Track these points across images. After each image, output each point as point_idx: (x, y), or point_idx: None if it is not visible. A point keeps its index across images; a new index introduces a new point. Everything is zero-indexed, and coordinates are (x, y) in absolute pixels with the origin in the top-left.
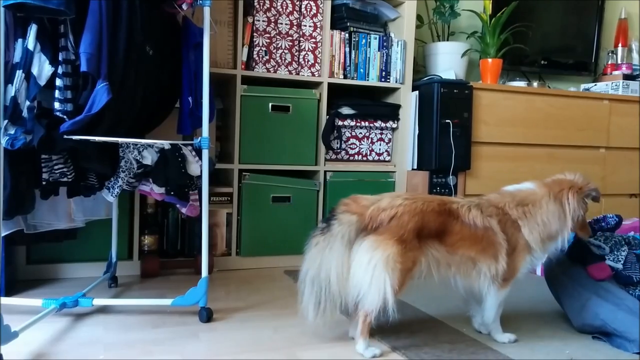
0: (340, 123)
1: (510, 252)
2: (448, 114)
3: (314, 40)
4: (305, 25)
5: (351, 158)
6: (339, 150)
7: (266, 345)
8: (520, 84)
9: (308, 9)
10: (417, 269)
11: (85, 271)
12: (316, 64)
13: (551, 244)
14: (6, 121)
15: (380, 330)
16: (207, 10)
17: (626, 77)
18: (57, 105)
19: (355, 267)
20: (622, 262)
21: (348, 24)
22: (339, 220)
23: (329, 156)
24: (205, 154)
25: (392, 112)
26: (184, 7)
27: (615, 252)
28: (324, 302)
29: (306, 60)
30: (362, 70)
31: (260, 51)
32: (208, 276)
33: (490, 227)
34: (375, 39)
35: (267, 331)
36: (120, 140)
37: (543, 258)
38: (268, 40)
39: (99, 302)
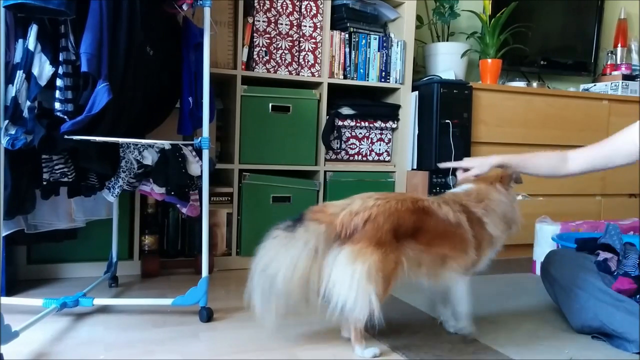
0: (340, 123)
1: (477, 247)
2: (448, 114)
3: (314, 40)
4: (305, 26)
5: (351, 158)
6: (339, 151)
7: (266, 345)
8: (519, 84)
9: (308, 10)
10: (401, 270)
11: (86, 271)
12: (316, 65)
13: (506, 234)
14: (7, 121)
15: (380, 330)
16: (207, 11)
17: (625, 77)
18: (57, 105)
19: (337, 281)
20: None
21: (348, 25)
22: (306, 227)
23: (329, 156)
24: (205, 154)
25: (392, 113)
26: (184, 7)
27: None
28: (268, 296)
29: (306, 60)
30: (362, 70)
31: (261, 51)
32: (208, 276)
33: (461, 223)
34: (375, 39)
35: (267, 331)
36: (120, 140)
37: (499, 249)
38: (268, 41)
39: (99, 301)
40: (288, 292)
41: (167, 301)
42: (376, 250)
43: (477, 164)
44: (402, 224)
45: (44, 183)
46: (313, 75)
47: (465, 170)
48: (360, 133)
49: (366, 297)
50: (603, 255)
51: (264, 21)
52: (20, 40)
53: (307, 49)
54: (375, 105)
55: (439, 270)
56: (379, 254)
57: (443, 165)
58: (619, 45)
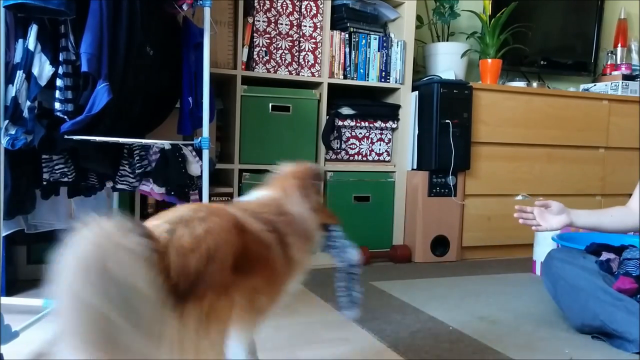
0: (340, 123)
1: (282, 280)
2: (448, 114)
3: (314, 40)
4: (305, 26)
5: (351, 158)
6: (339, 151)
7: (266, 345)
8: (519, 84)
9: (308, 10)
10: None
11: None
12: (316, 65)
13: (312, 247)
14: (7, 121)
15: (380, 330)
16: (207, 11)
17: (625, 77)
18: (57, 105)
19: None
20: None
21: (348, 25)
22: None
23: (329, 156)
24: (205, 154)
25: (392, 113)
26: (184, 7)
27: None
28: None
29: (306, 60)
30: (362, 70)
31: (261, 51)
32: None
33: (272, 245)
34: (375, 39)
35: (267, 331)
36: (120, 140)
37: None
38: (268, 41)
39: None
40: None
41: None
42: (227, 302)
43: (554, 223)
44: (236, 250)
45: (44, 183)
46: (313, 75)
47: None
48: (360, 133)
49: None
50: (606, 255)
51: (264, 21)
52: (21, 40)
53: (307, 49)
54: (375, 105)
55: (250, 312)
56: (229, 304)
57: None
58: (619, 45)
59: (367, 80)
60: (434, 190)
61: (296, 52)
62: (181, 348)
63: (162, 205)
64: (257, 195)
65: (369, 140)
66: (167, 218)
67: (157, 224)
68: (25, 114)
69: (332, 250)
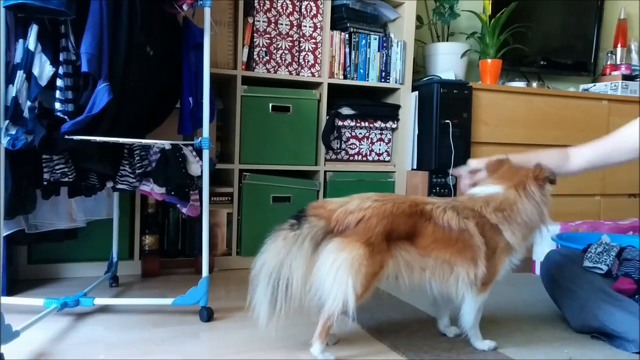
0: (340, 123)
1: (489, 255)
2: (447, 114)
3: (314, 40)
4: (305, 26)
5: (351, 158)
6: (339, 151)
7: (266, 345)
8: (519, 84)
9: (308, 10)
10: (384, 272)
11: (86, 271)
12: (316, 65)
13: (532, 238)
14: (7, 121)
15: (380, 329)
16: (207, 11)
17: (625, 77)
18: (58, 105)
19: (319, 268)
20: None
21: (348, 25)
22: (310, 222)
23: (329, 156)
24: (205, 154)
25: (392, 113)
26: (185, 7)
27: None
28: (281, 302)
29: (306, 60)
30: (362, 70)
31: (261, 52)
32: (208, 276)
33: (467, 229)
34: (375, 39)
35: (267, 331)
36: (121, 140)
37: (522, 255)
38: (268, 41)
39: (100, 301)
40: (301, 295)
41: (168, 301)
42: (364, 247)
43: (483, 166)
44: (395, 228)
45: (45, 183)
46: (313, 75)
47: (473, 172)
48: (360, 133)
49: (343, 285)
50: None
51: (264, 21)
52: (21, 40)
53: (307, 49)
54: (375, 105)
55: (447, 276)
56: (366, 250)
57: (455, 171)
58: (619, 45)
59: (367, 81)
60: (434, 190)
61: (296, 52)
62: (322, 254)
63: (162, 206)
64: (490, 191)
65: (369, 140)
66: (359, 195)
67: (345, 198)
68: (26, 114)
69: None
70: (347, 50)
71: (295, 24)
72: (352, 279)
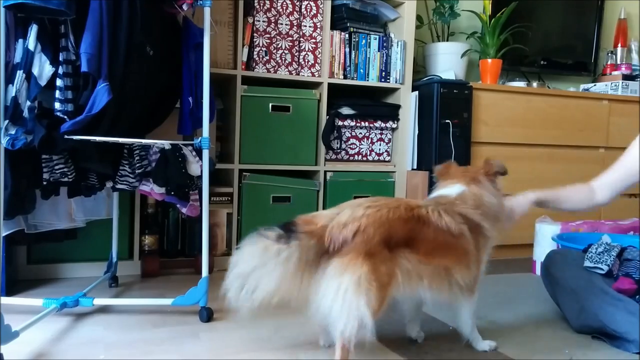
0: (340, 123)
1: (477, 257)
2: (448, 114)
3: (314, 40)
4: (305, 26)
5: (351, 158)
6: (339, 150)
7: (266, 345)
8: (519, 84)
9: (308, 10)
10: (395, 283)
11: (86, 271)
12: (316, 64)
13: (499, 228)
14: (7, 121)
15: (380, 330)
16: (207, 11)
17: (625, 77)
18: (57, 105)
19: (324, 296)
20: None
21: (348, 25)
22: (300, 239)
23: (329, 156)
24: (205, 154)
25: (392, 112)
26: (184, 7)
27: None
28: (242, 300)
29: (306, 60)
30: (362, 70)
31: (261, 51)
32: (208, 276)
33: (464, 234)
34: (375, 39)
35: (267, 331)
36: (120, 140)
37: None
38: (268, 41)
39: (99, 301)
40: (263, 304)
41: (167, 301)
42: (366, 262)
43: (517, 205)
44: (394, 234)
45: (44, 183)
46: (313, 75)
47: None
48: (360, 133)
49: (354, 309)
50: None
51: (264, 21)
52: (21, 40)
53: (307, 49)
54: (375, 105)
55: (444, 284)
56: (369, 265)
57: None
58: (619, 45)
59: (367, 80)
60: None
61: (296, 52)
62: (323, 280)
63: (161, 206)
64: (456, 190)
65: (369, 140)
66: (349, 203)
67: (334, 209)
68: (25, 114)
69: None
70: (347, 50)
71: (295, 24)
72: (365, 298)
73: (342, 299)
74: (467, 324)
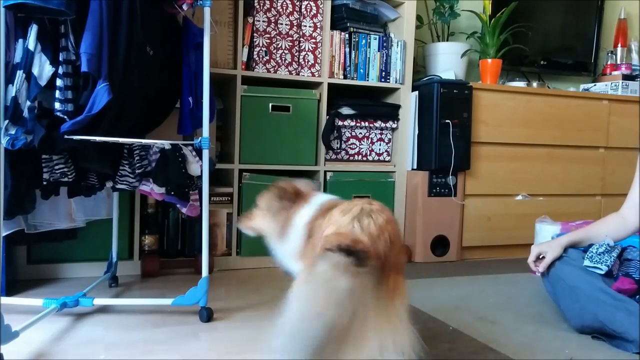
0: (340, 123)
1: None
2: (448, 114)
3: (314, 40)
4: (305, 26)
5: (351, 158)
6: (339, 150)
7: (266, 345)
8: (519, 84)
9: (308, 10)
10: None
11: (86, 271)
12: (316, 64)
13: None
14: (7, 121)
15: None
16: (207, 11)
17: (625, 77)
18: (57, 105)
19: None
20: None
21: (348, 25)
22: (370, 263)
23: (329, 156)
24: (205, 154)
25: (392, 112)
26: (184, 7)
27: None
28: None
29: (306, 60)
30: (362, 70)
31: (261, 51)
32: (208, 276)
33: None
34: (375, 39)
35: (267, 331)
36: (120, 140)
37: None
38: (268, 41)
39: (99, 301)
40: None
41: (167, 301)
42: (402, 279)
43: (549, 249)
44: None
45: (44, 183)
46: (313, 75)
47: (539, 257)
48: (360, 133)
49: (411, 340)
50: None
51: (264, 21)
52: (20, 40)
53: (307, 49)
54: (375, 105)
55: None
56: (403, 282)
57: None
58: (619, 45)
59: (367, 80)
60: (434, 190)
61: (296, 52)
62: (376, 317)
63: (161, 206)
64: (331, 196)
65: (369, 140)
66: (351, 212)
67: (345, 219)
68: (25, 114)
69: None
70: (347, 50)
71: (295, 24)
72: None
73: (401, 331)
74: None
